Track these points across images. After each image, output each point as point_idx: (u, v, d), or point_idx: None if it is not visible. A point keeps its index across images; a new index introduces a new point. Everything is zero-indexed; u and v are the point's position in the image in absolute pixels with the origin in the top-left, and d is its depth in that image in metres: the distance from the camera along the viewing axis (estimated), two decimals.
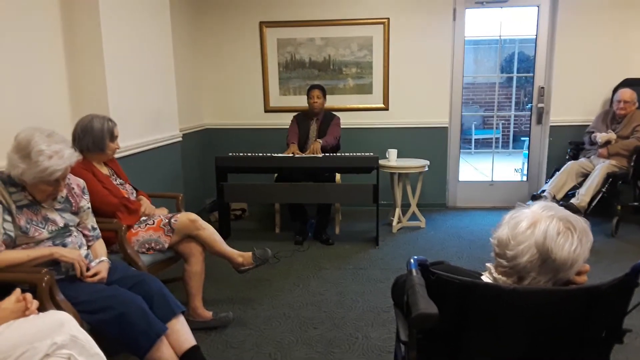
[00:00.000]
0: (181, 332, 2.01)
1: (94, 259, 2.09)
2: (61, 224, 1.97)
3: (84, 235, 2.12)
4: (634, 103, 4.22)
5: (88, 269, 1.98)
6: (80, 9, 2.88)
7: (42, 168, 1.79)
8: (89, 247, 2.13)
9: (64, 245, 1.96)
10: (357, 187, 4.01)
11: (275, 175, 4.26)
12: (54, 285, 1.78)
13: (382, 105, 4.99)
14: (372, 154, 4.00)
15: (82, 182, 2.16)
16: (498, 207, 5.07)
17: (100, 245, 2.19)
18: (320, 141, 4.15)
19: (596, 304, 1.16)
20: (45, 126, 2.11)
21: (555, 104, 4.82)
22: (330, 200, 4.13)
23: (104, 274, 2.00)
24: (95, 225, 2.20)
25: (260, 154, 4.08)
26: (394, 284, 1.61)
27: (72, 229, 2.04)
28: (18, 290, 1.58)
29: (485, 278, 1.25)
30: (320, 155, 4.03)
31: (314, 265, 3.61)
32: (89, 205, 2.16)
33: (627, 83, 4.44)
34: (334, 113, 4.42)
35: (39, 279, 1.73)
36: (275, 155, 4.03)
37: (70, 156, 1.88)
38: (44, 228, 1.91)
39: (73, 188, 2.08)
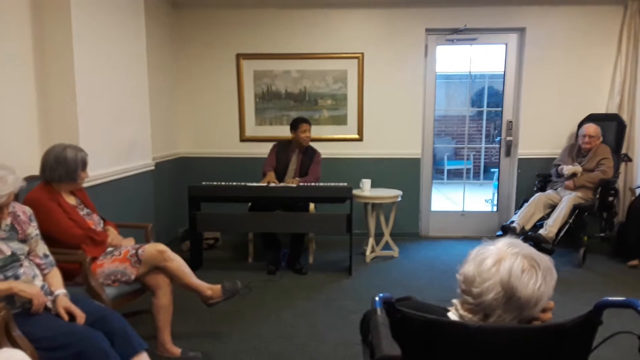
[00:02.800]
0: None
1: (51, 290, 2.00)
2: (8, 253, 1.90)
3: (37, 265, 2.05)
4: (599, 137, 4.38)
5: (47, 307, 1.90)
6: (52, 34, 2.86)
7: None
8: (44, 276, 2.06)
9: (17, 277, 1.89)
10: (330, 217, 4.01)
11: (249, 204, 4.23)
12: (10, 320, 1.71)
13: (356, 136, 5.05)
14: (346, 184, 4.02)
15: (28, 209, 2.10)
16: (469, 237, 5.13)
17: (55, 276, 2.10)
18: (299, 180, 4.14)
19: (561, 342, 1.17)
20: (12, 153, 2.06)
21: (523, 137, 4.97)
22: (304, 230, 4.11)
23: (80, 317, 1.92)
24: (48, 253, 2.13)
25: (234, 183, 4.05)
26: (362, 319, 1.59)
27: (22, 258, 1.97)
28: None
29: (452, 315, 1.25)
30: (295, 184, 4.03)
31: (286, 296, 3.56)
32: (38, 232, 2.10)
33: (592, 118, 4.62)
34: (315, 148, 4.40)
35: None
36: (249, 184, 4.02)
37: (14, 182, 1.84)
38: None
39: (18, 215, 2.02)
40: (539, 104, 4.88)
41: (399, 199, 4.39)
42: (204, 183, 4.10)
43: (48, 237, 2.21)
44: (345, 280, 3.89)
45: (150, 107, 3.99)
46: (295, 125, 4.26)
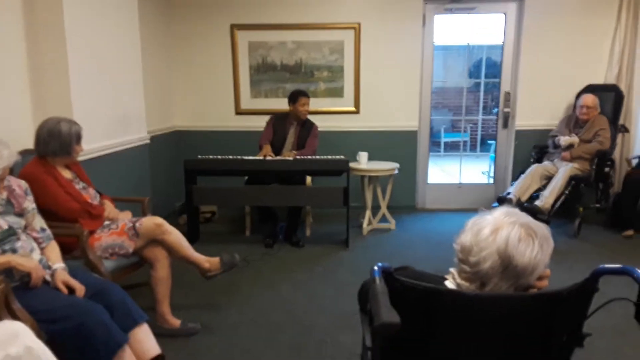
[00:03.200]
0: (145, 342, 1.97)
1: (49, 264, 2.01)
2: (5, 227, 1.90)
3: (34, 239, 2.05)
4: (596, 108, 4.36)
5: (46, 281, 1.91)
6: (43, 5, 2.79)
7: None
8: (42, 249, 2.06)
9: (14, 251, 1.90)
10: (327, 190, 4.01)
11: (246, 177, 4.22)
12: (10, 293, 1.71)
13: (353, 109, 5.01)
14: (342, 157, 4.01)
15: (23, 183, 2.08)
16: (466, 209, 5.15)
17: (53, 249, 2.10)
18: (296, 153, 4.12)
19: (557, 309, 1.18)
20: (6, 127, 2.03)
21: (521, 109, 4.94)
22: (300, 203, 4.12)
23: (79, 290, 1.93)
24: (45, 227, 2.13)
25: (230, 157, 4.03)
26: (360, 289, 1.61)
27: (19, 231, 1.97)
28: None
29: (449, 283, 1.26)
30: (291, 158, 4.01)
31: (284, 269, 3.59)
32: (34, 206, 2.09)
33: (590, 89, 4.59)
34: (312, 121, 4.36)
35: None
36: (246, 158, 4.00)
37: (9, 156, 1.83)
38: None
39: (14, 189, 2.01)
40: (537, 75, 4.84)
41: (396, 171, 4.39)
42: (199, 157, 4.07)
43: (45, 211, 2.20)
44: (342, 253, 3.92)
45: (145, 80, 3.93)
46: (294, 98, 4.21)
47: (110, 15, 3.36)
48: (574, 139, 4.32)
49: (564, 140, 4.33)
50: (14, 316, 1.67)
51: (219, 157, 4.06)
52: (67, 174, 2.50)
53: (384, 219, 4.56)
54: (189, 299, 3.04)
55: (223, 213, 5.01)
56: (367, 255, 3.86)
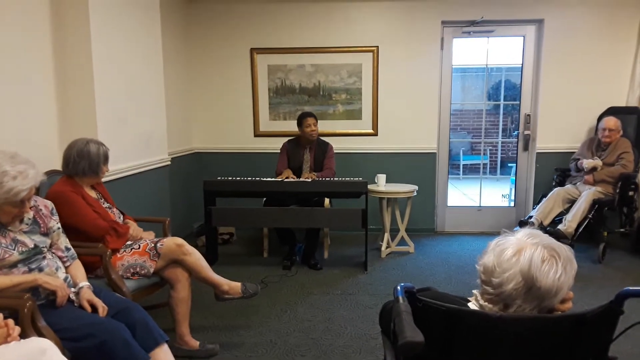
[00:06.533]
0: None
1: (74, 283, 2.05)
2: (31, 245, 1.94)
3: (59, 257, 2.09)
4: (619, 131, 4.30)
5: (70, 299, 1.94)
6: (71, 31, 2.90)
7: (6, 189, 1.77)
8: (66, 268, 2.09)
9: (40, 270, 1.93)
10: (346, 212, 4.01)
11: (264, 199, 4.25)
12: (36, 311, 1.74)
13: (371, 131, 5.04)
14: (361, 179, 4.02)
15: (49, 203, 2.13)
16: (486, 233, 5.09)
17: (78, 268, 2.14)
18: (316, 175, 4.14)
19: (581, 332, 1.16)
20: (34, 149, 2.09)
21: (542, 131, 4.90)
22: (319, 225, 4.11)
23: (102, 309, 1.96)
24: (69, 246, 2.17)
25: (249, 178, 4.07)
26: (382, 310, 1.59)
27: (45, 250, 2.01)
28: (0, 316, 1.54)
29: (472, 305, 1.25)
30: (310, 179, 4.03)
31: (302, 291, 3.57)
32: (59, 225, 2.13)
33: (612, 111, 4.54)
34: (326, 141, 4.40)
35: (21, 305, 1.69)
36: (265, 179, 4.03)
37: (35, 176, 1.86)
38: (13, 249, 1.88)
39: (40, 209, 2.06)
40: (557, 97, 4.81)
41: (415, 194, 4.37)
42: (219, 178, 4.12)
43: (71, 230, 2.25)
44: (360, 276, 3.89)
45: (166, 102, 4.03)
46: (299, 121, 4.26)
47: (134, 38, 3.47)
48: (597, 162, 4.26)
49: (587, 163, 4.27)
50: (39, 334, 1.70)
51: (238, 178, 4.10)
52: (93, 194, 2.55)
53: (402, 242, 4.52)
54: (207, 321, 3.04)
55: (241, 234, 5.03)
56: (386, 279, 3.82)
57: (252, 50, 4.99)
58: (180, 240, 2.57)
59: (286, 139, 4.47)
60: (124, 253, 2.50)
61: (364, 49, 4.90)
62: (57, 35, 2.88)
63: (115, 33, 3.21)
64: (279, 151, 4.42)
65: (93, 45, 2.93)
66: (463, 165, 8.94)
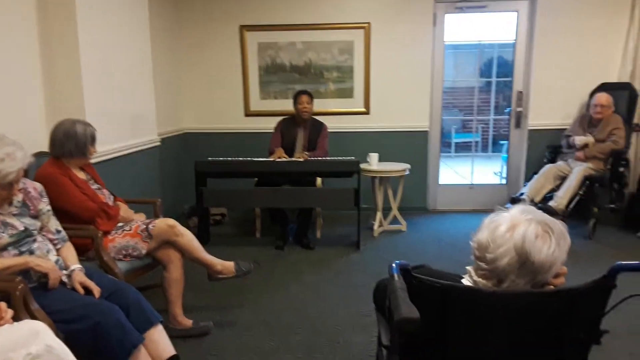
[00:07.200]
0: (160, 342, 1.97)
1: (66, 265, 2.03)
2: (21, 228, 1.92)
3: (50, 240, 2.07)
4: (610, 107, 4.30)
5: (62, 282, 1.93)
6: (57, 10, 2.83)
7: None
8: (57, 251, 2.08)
9: (31, 252, 1.92)
10: (338, 191, 4.00)
11: (255, 179, 4.23)
12: (28, 294, 1.73)
13: (363, 110, 5.00)
14: (353, 158, 4.00)
15: (38, 185, 2.10)
16: (478, 210, 5.11)
17: (69, 251, 2.12)
18: (308, 154, 4.11)
19: (574, 306, 1.17)
20: (20, 129, 2.04)
21: (534, 108, 4.90)
22: (311, 205, 4.11)
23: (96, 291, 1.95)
24: (60, 228, 2.14)
25: (241, 158, 4.04)
26: (376, 288, 1.60)
27: (35, 233, 1.98)
28: None
29: (466, 281, 1.25)
30: (301, 159, 4.01)
31: (294, 270, 3.58)
32: (49, 207, 2.10)
33: (604, 87, 4.53)
34: (321, 121, 4.37)
35: (12, 288, 1.68)
36: (256, 159, 4.00)
37: (23, 158, 1.84)
38: (3, 232, 1.86)
39: (29, 192, 2.03)
40: (549, 74, 4.79)
41: (407, 172, 4.36)
42: (210, 159, 4.09)
43: (60, 212, 2.22)
44: (353, 255, 3.90)
45: (154, 82, 3.96)
46: (294, 98, 4.25)
47: (121, 18, 3.40)
48: (589, 138, 4.26)
49: (579, 140, 4.28)
50: (32, 316, 1.69)
51: (230, 159, 4.07)
52: (82, 175, 2.52)
53: (395, 221, 4.54)
54: (200, 300, 3.05)
55: (233, 215, 5.02)
56: (379, 257, 3.84)
57: (242, 27, 4.90)
58: (172, 222, 2.56)
59: (277, 119, 4.43)
60: (115, 235, 2.48)
61: (355, 25, 4.83)
62: (43, 14, 2.80)
63: (102, 13, 3.13)
64: (270, 131, 4.38)
65: (79, 25, 2.86)
66: (455, 143, 8.95)
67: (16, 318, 1.59)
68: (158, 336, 1.98)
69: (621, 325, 2.52)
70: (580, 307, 1.17)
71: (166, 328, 2.14)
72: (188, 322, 2.61)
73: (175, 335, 2.41)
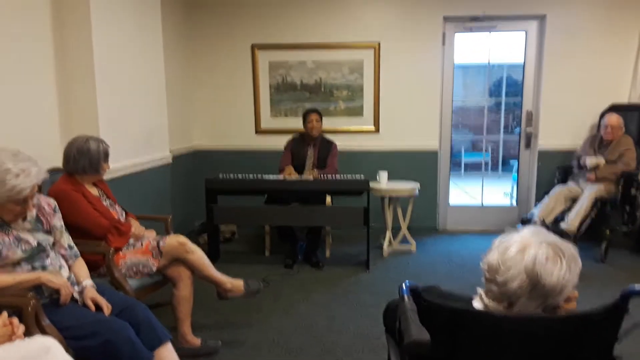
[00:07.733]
0: None
1: (77, 281, 2.04)
2: (34, 244, 1.94)
3: (62, 256, 2.08)
4: (621, 128, 4.28)
5: (74, 298, 1.94)
6: (72, 27, 2.90)
7: (9, 187, 1.76)
8: (69, 266, 2.09)
9: (44, 268, 1.93)
10: (347, 210, 4.00)
11: (265, 197, 4.24)
12: (40, 309, 1.75)
13: (372, 128, 5.03)
14: (362, 176, 4.01)
15: (52, 201, 2.12)
16: (488, 231, 5.07)
17: (80, 266, 2.13)
18: (318, 172, 4.12)
19: (586, 331, 1.15)
20: (35, 145, 2.08)
21: (544, 129, 4.88)
22: (320, 223, 4.11)
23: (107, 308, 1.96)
24: (72, 244, 2.16)
25: (251, 176, 4.07)
26: (386, 309, 1.59)
27: (48, 249, 2.00)
28: (4, 315, 1.55)
29: (476, 303, 1.24)
30: (311, 177, 4.02)
31: (304, 290, 3.57)
32: (62, 223, 2.13)
33: (614, 108, 4.52)
34: (331, 139, 4.39)
35: (24, 303, 1.70)
36: (266, 177, 4.02)
37: (38, 174, 1.86)
38: (17, 248, 1.88)
39: (43, 207, 2.05)
40: (559, 94, 4.79)
41: (417, 192, 4.35)
42: (220, 176, 4.12)
43: (72, 228, 2.24)
44: (362, 274, 3.88)
45: (167, 99, 4.02)
46: (303, 116, 4.29)
47: (135, 36, 3.46)
48: (600, 159, 4.23)
49: (589, 160, 4.25)
50: (43, 332, 1.70)
51: (240, 176, 4.09)
52: (94, 192, 2.55)
53: (404, 240, 4.51)
54: (209, 319, 3.04)
55: (243, 233, 5.03)
56: (388, 277, 3.81)
57: (253, 46, 4.97)
58: (182, 239, 2.57)
59: (287, 137, 4.46)
60: (127, 252, 2.50)
61: (365, 45, 4.88)
62: (59, 32, 2.87)
63: (116, 30, 3.20)
64: (280, 149, 4.41)
65: (94, 42, 2.92)
66: (465, 163, 8.92)
67: (27, 333, 1.60)
68: (167, 354, 1.98)
69: (636, 352, 2.47)
70: (591, 332, 1.16)
71: (174, 346, 2.14)
72: (197, 341, 2.60)
73: (184, 354, 2.40)
